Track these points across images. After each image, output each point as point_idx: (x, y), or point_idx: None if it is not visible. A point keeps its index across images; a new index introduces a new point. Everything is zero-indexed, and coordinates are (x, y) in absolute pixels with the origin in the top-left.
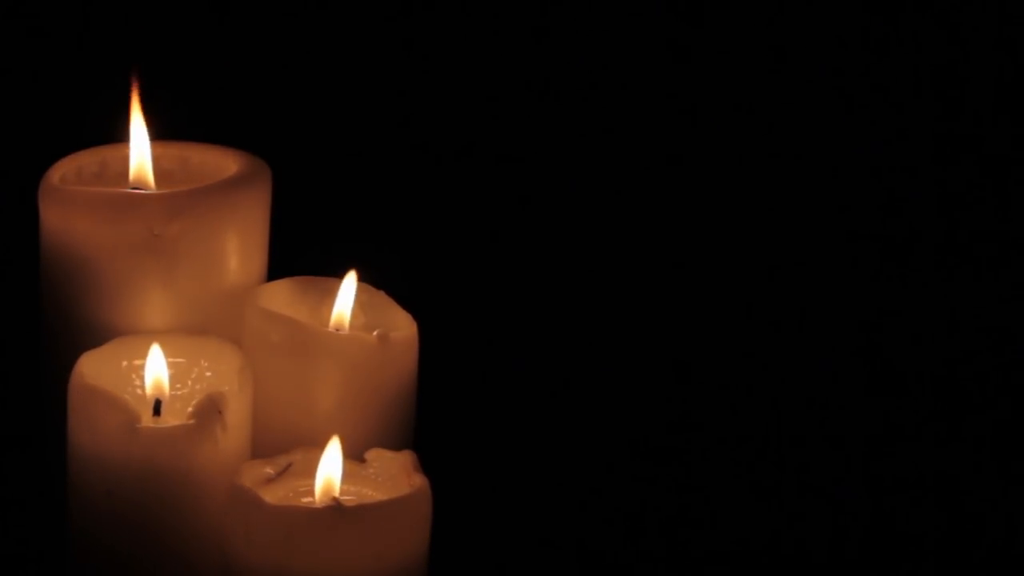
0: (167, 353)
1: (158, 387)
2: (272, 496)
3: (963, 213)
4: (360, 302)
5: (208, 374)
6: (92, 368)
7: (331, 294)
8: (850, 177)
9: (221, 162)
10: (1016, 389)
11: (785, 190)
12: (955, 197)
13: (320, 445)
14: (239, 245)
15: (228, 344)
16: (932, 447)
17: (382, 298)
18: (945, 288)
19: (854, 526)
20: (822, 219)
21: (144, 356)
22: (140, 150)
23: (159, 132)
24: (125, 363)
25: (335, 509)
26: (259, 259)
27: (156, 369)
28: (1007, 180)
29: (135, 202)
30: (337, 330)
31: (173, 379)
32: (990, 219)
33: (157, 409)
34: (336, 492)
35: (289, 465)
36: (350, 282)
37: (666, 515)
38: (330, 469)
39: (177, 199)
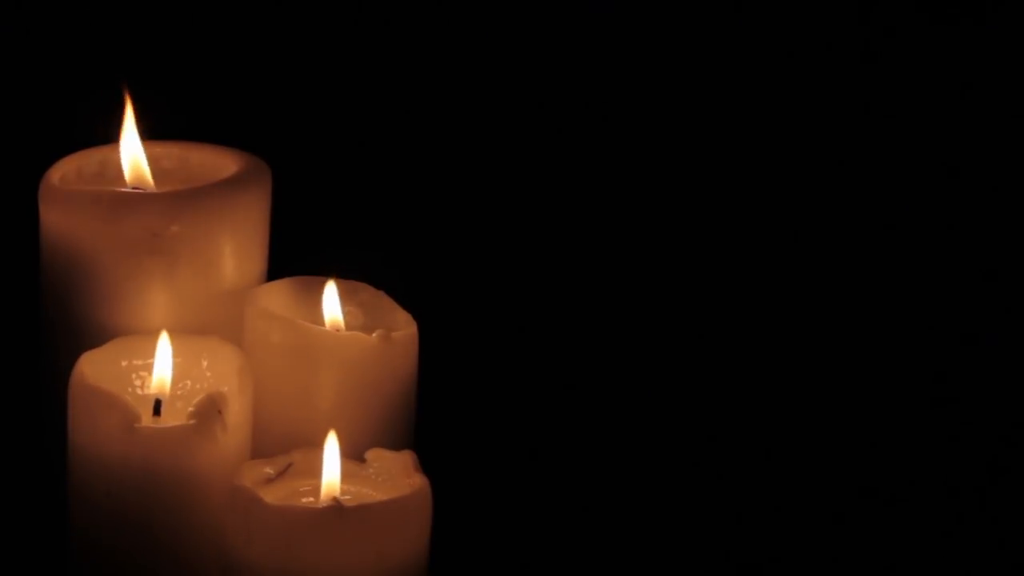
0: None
1: (161, 385)
2: (272, 496)
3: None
4: (360, 302)
5: (208, 374)
6: (92, 368)
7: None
8: (849, 177)
9: (221, 162)
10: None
11: (785, 190)
12: (956, 197)
13: (320, 445)
14: (239, 245)
15: (228, 344)
16: (931, 447)
17: (382, 298)
18: (946, 287)
19: (854, 528)
20: (820, 219)
21: (144, 356)
22: (132, 151)
23: (160, 132)
24: (125, 363)
25: (335, 509)
26: (259, 259)
27: (163, 366)
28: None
29: (135, 202)
30: (336, 330)
31: (173, 379)
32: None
33: (157, 409)
34: (336, 491)
35: (289, 465)
36: (331, 289)
37: (667, 516)
38: (330, 467)
39: (177, 199)
